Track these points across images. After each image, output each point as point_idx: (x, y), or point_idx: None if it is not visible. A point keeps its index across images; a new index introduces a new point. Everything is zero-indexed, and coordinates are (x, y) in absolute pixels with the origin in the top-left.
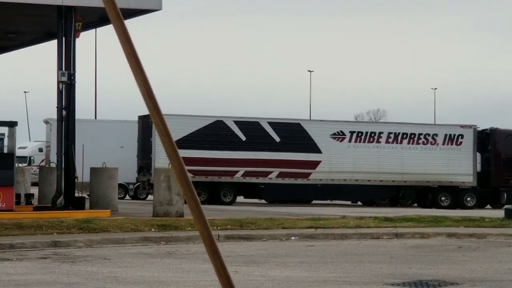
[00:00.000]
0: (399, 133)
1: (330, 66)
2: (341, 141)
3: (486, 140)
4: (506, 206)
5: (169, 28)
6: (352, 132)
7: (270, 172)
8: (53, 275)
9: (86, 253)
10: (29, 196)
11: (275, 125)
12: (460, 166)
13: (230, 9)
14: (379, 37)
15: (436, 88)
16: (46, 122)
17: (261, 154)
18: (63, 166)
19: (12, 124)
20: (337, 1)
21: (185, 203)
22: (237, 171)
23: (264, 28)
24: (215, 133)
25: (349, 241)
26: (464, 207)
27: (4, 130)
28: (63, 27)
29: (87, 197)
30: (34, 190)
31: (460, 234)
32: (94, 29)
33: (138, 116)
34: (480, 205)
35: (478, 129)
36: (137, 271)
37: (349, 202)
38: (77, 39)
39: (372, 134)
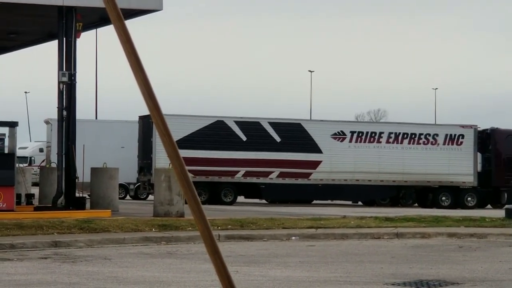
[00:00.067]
0: (399, 133)
1: (330, 66)
2: (341, 141)
3: (486, 140)
4: (506, 206)
5: (169, 28)
6: (352, 132)
7: (271, 172)
8: (54, 275)
9: (86, 253)
10: (29, 196)
11: (275, 125)
12: (460, 166)
13: (230, 9)
14: (379, 37)
15: (436, 88)
16: (47, 122)
17: (262, 154)
18: (63, 166)
19: (12, 125)
20: (337, 1)
21: (186, 203)
22: (238, 171)
23: (264, 28)
24: (215, 133)
25: (349, 241)
26: (465, 207)
27: (5, 130)
28: (63, 28)
29: (87, 197)
30: (35, 190)
31: (460, 234)
32: (95, 29)
33: (139, 116)
34: (480, 205)
35: (478, 129)
36: (138, 271)
37: (349, 202)
38: (77, 39)
39: (373, 134)
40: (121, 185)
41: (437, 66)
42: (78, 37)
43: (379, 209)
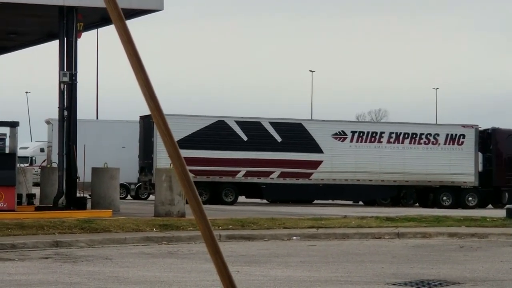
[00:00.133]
0: (400, 133)
1: (331, 66)
2: (342, 141)
3: (487, 140)
4: (507, 206)
5: (170, 28)
6: (353, 132)
7: (272, 172)
8: (55, 275)
9: (87, 253)
10: (30, 196)
11: (276, 125)
12: (461, 166)
13: (230, 9)
14: (380, 37)
15: (437, 88)
16: (48, 122)
17: (263, 154)
18: (64, 166)
19: (13, 125)
20: (337, 1)
21: (187, 203)
22: (239, 171)
23: (265, 28)
24: (216, 133)
25: (350, 241)
26: (466, 207)
27: (6, 130)
28: (64, 28)
29: (88, 197)
30: (36, 190)
31: (461, 233)
32: (96, 29)
33: (140, 116)
34: (481, 205)
35: (479, 129)
36: (139, 271)
37: (350, 202)
38: (78, 39)
39: (374, 134)
40: (122, 185)
41: (438, 66)
42: (79, 37)
43: (380, 209)
